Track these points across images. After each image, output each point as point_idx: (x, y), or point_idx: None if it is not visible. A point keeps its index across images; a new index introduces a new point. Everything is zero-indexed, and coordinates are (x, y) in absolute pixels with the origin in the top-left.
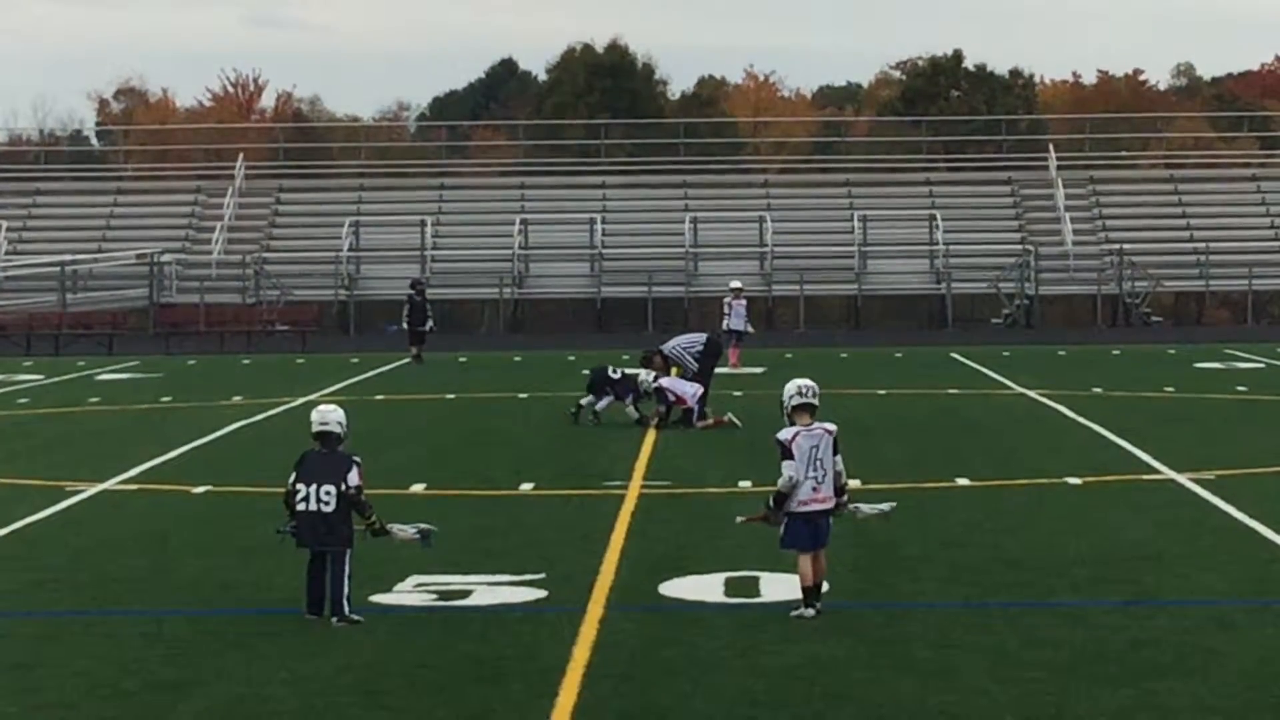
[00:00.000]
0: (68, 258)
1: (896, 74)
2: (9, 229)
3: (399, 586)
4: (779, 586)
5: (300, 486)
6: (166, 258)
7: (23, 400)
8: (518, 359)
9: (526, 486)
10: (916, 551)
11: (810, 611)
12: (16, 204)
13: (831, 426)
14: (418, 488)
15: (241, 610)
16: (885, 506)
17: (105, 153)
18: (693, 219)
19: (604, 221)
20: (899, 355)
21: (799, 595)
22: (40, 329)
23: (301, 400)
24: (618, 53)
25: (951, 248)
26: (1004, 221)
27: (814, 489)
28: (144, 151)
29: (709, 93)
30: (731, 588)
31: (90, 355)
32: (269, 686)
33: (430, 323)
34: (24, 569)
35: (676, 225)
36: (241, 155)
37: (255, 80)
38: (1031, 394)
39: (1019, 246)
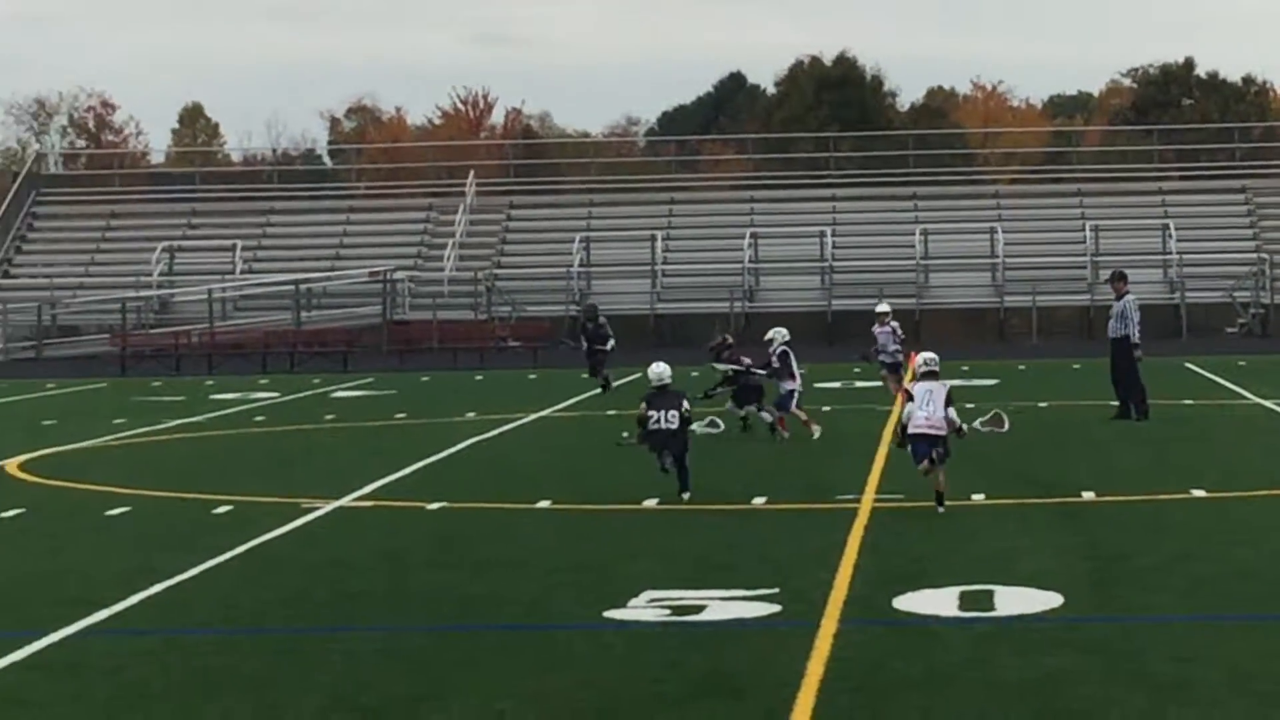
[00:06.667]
0: (302, 276)
1: (1127, 82)
2: (244, 248)
3: (633, 602)
4: (1014, 600)
5: (652, 413)
6: (399, 275)
7: (259, 418)
8: None
9: (759, 501)
10: (1150, 564)
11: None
12: (252, 223)
13: (947, 383)
14: (650, 502)
15: (478, 625)
16: (999, 424)
17: (338, 171)
18: (923, 230)
19: (834, 234)
20: None
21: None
22: (276, 347)
23: (534, 416)
24: (846, 65)
25: (1185, 257)
26: (1238, 230)
27: (926, 419)
28: (376, 170)
29: (938, 103)
30: (965, 601)
31: (325, 372)
32: (507, 702)
33: (611, 342)
34: (262, 586)
35: (907, 237)
36: (472, 172)
37: (485, 97)
38: (1268, 404)
39: (1254, 255)
